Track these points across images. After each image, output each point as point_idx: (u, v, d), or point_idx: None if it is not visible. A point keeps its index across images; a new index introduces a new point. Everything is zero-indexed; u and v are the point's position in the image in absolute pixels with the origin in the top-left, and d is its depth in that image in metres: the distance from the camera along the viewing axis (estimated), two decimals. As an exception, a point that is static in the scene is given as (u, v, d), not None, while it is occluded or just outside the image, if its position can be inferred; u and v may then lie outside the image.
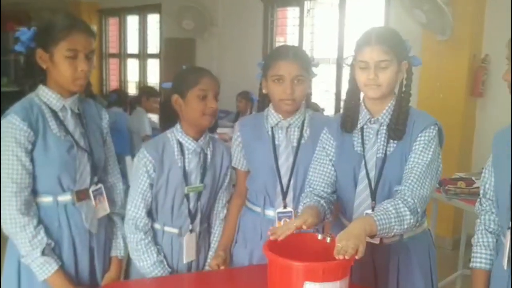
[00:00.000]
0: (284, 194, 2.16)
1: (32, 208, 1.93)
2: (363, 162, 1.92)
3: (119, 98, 5.99)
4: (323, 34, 6.45)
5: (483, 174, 1.86)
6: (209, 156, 2.20)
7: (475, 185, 3.49)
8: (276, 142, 2.18)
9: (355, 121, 1.96)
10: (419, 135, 1.86)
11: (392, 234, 1.73)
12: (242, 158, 2.27)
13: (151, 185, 2.12)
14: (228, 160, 2.28)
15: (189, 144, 2.14)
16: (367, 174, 1.91)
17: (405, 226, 1.73)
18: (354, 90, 1.97)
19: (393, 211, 1.71)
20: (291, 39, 6.68)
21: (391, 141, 1.91)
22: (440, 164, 1.90)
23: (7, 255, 2.01)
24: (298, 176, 2.15)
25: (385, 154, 1.90)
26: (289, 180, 2.15)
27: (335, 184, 2.02)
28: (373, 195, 1.90)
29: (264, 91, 2.20)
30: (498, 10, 4.73)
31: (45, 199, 1.97)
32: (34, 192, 1.95)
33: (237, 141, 2.27)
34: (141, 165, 2.11)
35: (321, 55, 6.31)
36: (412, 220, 1.74)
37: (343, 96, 6.26)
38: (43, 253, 1.91)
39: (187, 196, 2.14)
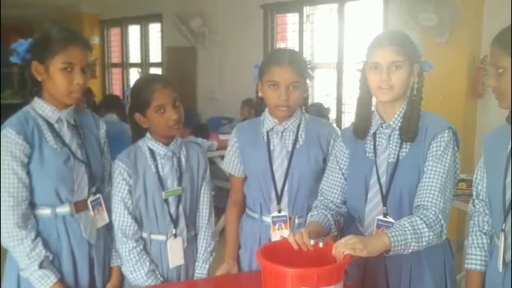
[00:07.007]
0: (279, 199, 2.15)
1: (30, 221, 1.94)
2: (374, 168, 1.90)
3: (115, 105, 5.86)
4: (323, 39, 6.45)
5: (475, 176, 1.86)
6: (183, 160, 2.19)
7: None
8: (271, 147, 2.18)
9: (367, 128, 1.93)
10: (433, 141, 1.82)
11: (410, 251, 1.71)
12: (239, 164, 2.26)
13: (130, 192, 2.11)
14: (204, 162, 2.26)
15: (159, 149, 2.14)
16: (378, 179, 1.88)
17: (424, 243, 1.71)
18: (365, 96, 1.94)
19: (410, 228, 1.69)
20: (292, 45, 6.69)
21: (404, 145, 1.87)
22: (458, 169, 1.88)
23: (6, 267, 2.02)
24: (293, 180, 2.14)
25: (397, 159, 1.87)
26: (284, 185, 2.15)
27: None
28: (384, 200, 1.88)
29: (259, 94, 2.20)
30: (496, 11, 4.73)
31: (43, 212, 1.98)
32: (32, 205, 1.96)
33: (234, 147, 2.27)
34: (117, 174, 2.12)
35: (321, 60, 6.32)
36: (431, 237, 1.72)
37: (344, 100, 6.35)
38: (41, 266, 1.92)
39: (166, 201, 2.13)
